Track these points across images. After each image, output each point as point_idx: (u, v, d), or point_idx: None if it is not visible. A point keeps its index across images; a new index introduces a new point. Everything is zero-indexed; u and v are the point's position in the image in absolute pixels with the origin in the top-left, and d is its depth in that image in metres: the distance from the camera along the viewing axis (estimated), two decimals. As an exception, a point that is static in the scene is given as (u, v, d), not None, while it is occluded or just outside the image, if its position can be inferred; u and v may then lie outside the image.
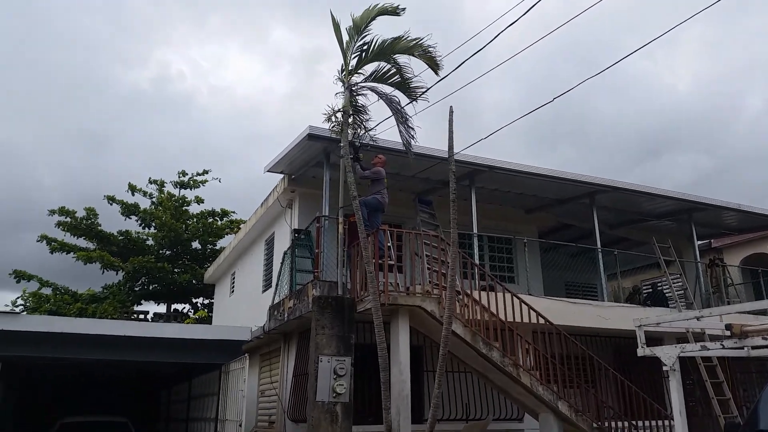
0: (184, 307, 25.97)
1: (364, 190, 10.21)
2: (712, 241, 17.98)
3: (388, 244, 9.45)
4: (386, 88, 9.87)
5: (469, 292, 9.39)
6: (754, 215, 14.79)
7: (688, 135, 57.86)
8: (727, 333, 4.31)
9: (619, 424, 9.58)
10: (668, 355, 4.49)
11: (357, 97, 9.68)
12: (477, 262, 10.97)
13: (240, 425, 9.36)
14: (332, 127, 9.47)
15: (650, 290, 14.99)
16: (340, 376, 8.28)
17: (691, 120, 57.57)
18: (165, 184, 26.10)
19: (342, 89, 9.48)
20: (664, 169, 56.42)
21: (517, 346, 9.21)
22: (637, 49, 7.22)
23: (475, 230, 11.49)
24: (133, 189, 25.35)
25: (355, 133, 9.84)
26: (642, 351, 4.77)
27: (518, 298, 9.67)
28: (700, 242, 15.54)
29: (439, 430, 9.86)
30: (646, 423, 9.79)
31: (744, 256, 17.91)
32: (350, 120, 9.38)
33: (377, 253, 8.99)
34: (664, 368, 4.48)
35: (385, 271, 8.82)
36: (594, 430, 9.05)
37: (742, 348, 4.32)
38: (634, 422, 9.72)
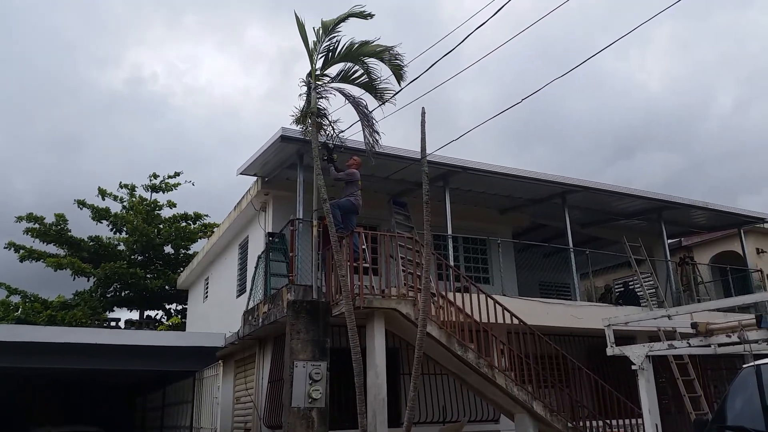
0: (157, 314, 25.59)
1: (338, 192, 10.17)
2: (682, 239, 18.29)
3: (363, 247, 9.42)
4: (355, 90, 9.88)
5: (444, 293, 9.40)
6: (723, 213, 15.09)
7: (659, 134, 58.96)
8: (693, 331, 4.37)
9: (594, 423, 9.68)
10: (637, 354, 4.54)
11: (323, 99, 9.64)
12: (452, 263, 11.00)
13: (214, 432, 9.23)
14: (303, 128, 9.42)
15: (622, 289, 15.19)
16: (315, 381, 8.22)
17: (663, 118, 58.66)
18: (136, 188, 25.73)
19: (308, 90, 9.43)
20: (637, 168, 57.39)
21: (492, 346, 9.25)
22: (606, 47, 7.33)
23: (449, 231, 11.52)
24: (103, 193, 24.92)
25: (327, 134, 9.80)
26: (611, 350, 4.82)
27: (493, 299, 9.72)
28: (670, 241, 15.80)
29: (416, 433, 9.89)
30: (620, 421, 9.92)
31: (713, 254, 18.23)
32: (318, 121, 9.33)
33: (352, 255, 8.95)
34: (633, 367, 4.52)
35: (360, 274, 8.79)
36: (569, 429, 9.12)
37: (709, 346, 4.39)
38: (608, 421, 9.83)
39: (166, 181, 25.87)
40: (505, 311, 9.61)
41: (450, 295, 9.43)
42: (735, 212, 15.25)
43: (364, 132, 9.81)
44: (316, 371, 8.22)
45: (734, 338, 4.33)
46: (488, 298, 9.66)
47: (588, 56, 7.84)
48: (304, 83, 9.42)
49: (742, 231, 15.89)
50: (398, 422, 9.12)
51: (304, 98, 9.38)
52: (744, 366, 5.17)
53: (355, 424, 7.98)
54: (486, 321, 9.42)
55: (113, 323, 19.74)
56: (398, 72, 9.26)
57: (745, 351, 4.96)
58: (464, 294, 9.65)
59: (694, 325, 4.38)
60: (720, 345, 4.53)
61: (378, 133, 9.84)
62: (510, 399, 9.03)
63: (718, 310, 11.23)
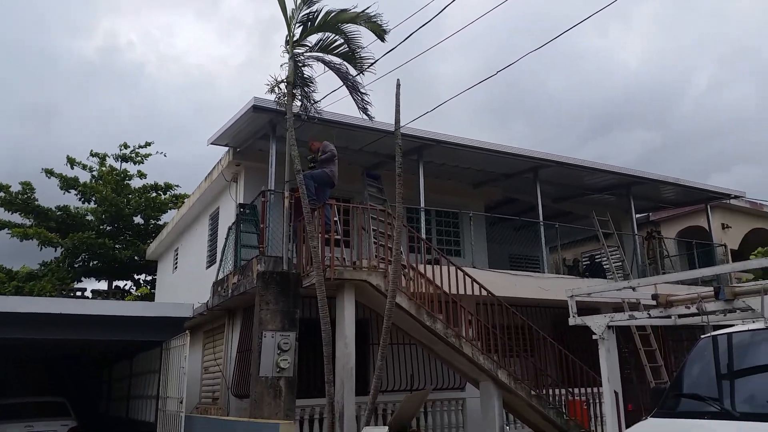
0: (126, 284, 25.34)
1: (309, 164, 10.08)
2: (650, 214, 18.61)
3: (335, 219, 9.39)
4: (334, 60, 9.72)
5: (414, 265, 9.44)
6: (691, 189, 15.37)
7: (637, 111, 59.64)
8: (653, 302, 4.46)
9: (557, 391, 9.91)
10: (598, 324, 4.63)
11: (303, 68, 9.50)
12: (424, 236, 11.04)
13: (181, 402, 9.23)
14: (277, 98, 9.27)
15: (589, 262, 15.45)
16: (284, 351, 8.25)
17: (641, 96, 59.32)
18: (107, 158, 25.17)
19: (287, 59, 9.27)
20: (614, 145, 58.13)
21: (460, 317, 9.36)
22: (582, 21, 7.29)
23: (422, 204, 11.53)
24: (72, 162, 24.34)
25: (301, 104, 9.67)
26: (573, 320, 4.91)
27: (463, 271, 9.80)
28: (638, 215, 16.08)
29: (382, 401, 10.06)
30: (583, 390, 10.18)
31: (680, 228, 18.60)
32: (294, 91, 9.19)
33: (323, 227, 8.93)
34: (594, 337, 4.61)
35: (332, 245, 8.77)
36: (532, 397, 9.33)
37: (669, 317, 4.49)
38: (570, 389, 10.07)
39: (137, 150, 25.37)
40: (475, 283, 9.71)
41: (421, 267, 9.48)
42: (702, 188, 15.54)
43: (353, 97, 9.69)
44: (284, 341, 8.25)
45: (693, 309, 4.44)
46: (458, 270, 9.75)
47: (564, 30, 7.78)
48: (285, 52, 9.24)
49: (708, 207, 16.22)
50: (366, 391, 9.22)
51: (286, 68, 9.21)
52: (701, 336, 5.32)
53: (323, 393, 8.05)
54: (456, 293, 9.51)
55: (79, 293, 19.44)
56: (379, 30, 9.11)
57: (703, 322, 5.09)
58: (435, 266, 9.72)
59: (654, 297, 4.47)
60: (680, 316, 4.63)
61: (366, 94, 9.71)
62: (476, 367, 9.18)
63: (681, 282, 11.49)
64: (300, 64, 9.46)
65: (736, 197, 16.63)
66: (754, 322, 4.87)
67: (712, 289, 4.43)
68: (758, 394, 4.29)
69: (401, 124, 8.90)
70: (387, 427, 7.67)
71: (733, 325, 5.21)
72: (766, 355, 3.91)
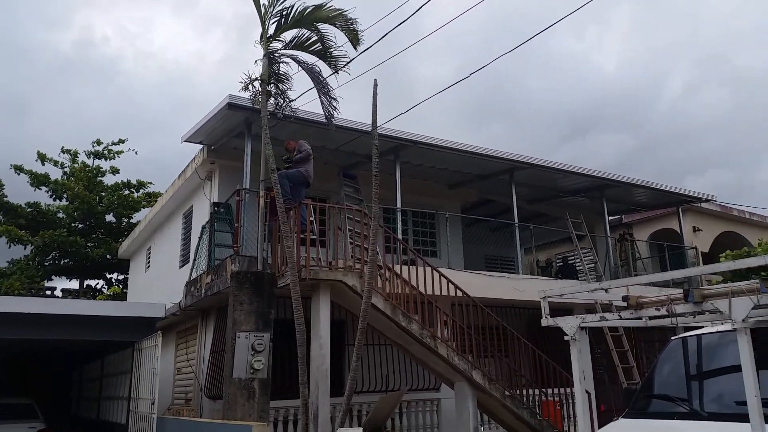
0: (98, 283, 24.92)
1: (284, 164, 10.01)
2: (623, 216, 18.87)
3: (311, 218, 9.33)
4: (309, 58, 9.67)
5: (390, 266, 9.43)
6: (663, 192, 15.61)
7: (613, 114, 60.50)
8: (624, 304, 4.52)
9: (531, 391, 9.99)
10: (570, 325, 4.67)
11: (278, 65, 9.42)
12: (400, 236, 11.04)
13: (153, 403, 9.09)
14: (252, 96, 9.18)
15: (563, 264, 15.62)
16: (258, 352, 8.18)
17: (616, 100, 60.17)
18: (78, 154, 24.72)
19: (261, 56, 9.19)
20: (590, 147, 58.89)
21: (435, 318, 9.37)
22: (557, 21, 7.35)
23: (399, 205, 11.53)
24: (43, 158, 23.87)
25: (276, 103, 9.60)
26: (545, 321, 4.95)
27: (438, 271, 9.82)
28: (611, 218, 16.30)
29: (357, 402, 10.03)
30: (557, 390, 10.27)
31: (652, 231, 18.88)
32: (269, 89, 9.11)
33: (299, 227, 8.87)
34: (566, 338, 4.65)
35: (307, 245, 8.71)
36: (506, 397, 9.39)
37: (640, 318, 4.54)
38: (544, 389, 10.16)
39: (110, 147, 24.95)
40: (450, 284, 9.73)
41: (397, 268, 9.47)
42: (674, 191, 15.80)
43: (321, 99, 9.63)
44: (258, 342, 8.18)
45: (663, 311, 4.49)
46: (434, 271, 9.76)
47: (539, 31, 7.85)
48: (262, 48, 9.16)
49: (680, 210, 16.50)
50: (341, 392, 9.18)
51: (261, 64, 9.14)
52: (672, 338, 5.40)
53: (298, 394, 7.99)
54: (431, 293, 9.52)
55: (49, 292, 19.04)
56: (354, 36, 9.08)
57: (672, 324, 5.17)
58: (411, 267, 9.72)
59: (625, 298, 4.52)
60: (650, 318, 4.68)
61: (335, 99, 9.67)
62: (451, 368, 9.20)
63: (653, 284, 11.66)
64: (274, 62, 9.38)
65: (706, 201, 16.95)
66: (722, 324, 4.96)
67: (681, 291, 4.49)
68: (726, 395, 4.37)
69: (378, 124, 8.88)
70: (361, 428, 7.64)
71: (702, 327, 5.31)
72: (733, 356, 3.98)
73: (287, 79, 9.59)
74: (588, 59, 64.14)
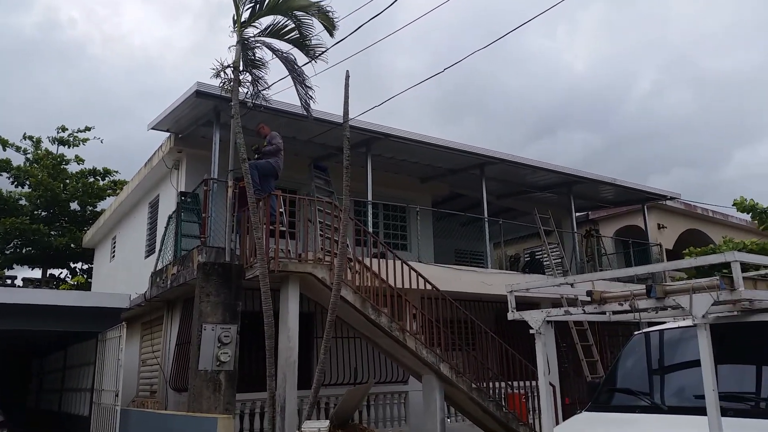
0: (61, 273, 24.35)
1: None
2: (590, 213, 19.17)
3: (281, 210, 9.25)
4: (284, 46, 9.54)
5: (360, 259, 9.42)
6: (629, 190, 15.90)
7: (581, 113, 61.38)
8: (588, 299, 4.58)
9: (498, 384, 10.10)
10: (535, 319, 4.71)
11: (252, 51, 9.27)
12: (371, 229, 11.02)
13: (117, 395, 8.92)
14: (222, 84, 9.03)
15: (530, 258, 15.81)
16: (224, 344, 8.10)
17: (585, 98, 61.06)
18: (42, 141, 24.05)
19: (235, 43, 9.05)
20: (558, 145, 59.69)
21: (405, 311, 9.40)
22: (528, 20, 7.40)
23: (370, 198, 11.51)
24: (4, 144, 23.18)
25: (248, 91, 9.46)
26: (512, 315, 4.99)
27: (408, 265, 9.84)
28: (578, 214, 16.54)
29: (325, 395, 10.02)
30: (523, 383, 10.41)
31: (618, 227, 19.23)
32: (242, 77, 8.98)
33: (268, 218, 8.78)
34: (531, 331, 4.71)
35: (276, 237, 8.64)
36: (473, 390, 9.48)
37: (604, 313, 4.61)
38: (510, 383, 10.28)
39: (75, 134, 24.34)
40: (420, 277, 9.76)
41: (367, 261, 9.46)
42: (640, 189, 16.10)
43: (296, 88, 9.52)
44: (225, 334, 8.10)
45: (626, 306, 4.56)
46: (404, 265, 9.77)
47: (511, 29, 7.91)
48: (235, 34, 9.01)
49: (645, 207, 16.83)
50: (309, 384, 9.15)
51: (234, 51, 8.99)
52: (634, 333, 5.50)
53: (265, 386, 7.94)
54: (401, 286, 9.54)
55: (9, 281, 18.53)
56: (330, 23, 8.98)
57: (635, 319, 5.26)
58: (381, 260, 9.71)
59: (589, 293, 4.58)
60: (614, 313, 4.75)
61: (311, 88, 9.57)
62: (419, 361, 9.24)
63: (618, 279, 11.89)
64: (248, 48, 9.23)
65: (671, 199, 17.31)
66: (684, 319, 5.07)
67: (644, 287, 4.56)
68: (686, 389, 4.48)
69: (351, 116, 8.83)
70: (328, 421, 7.62)
71: (664, 322, 5.42)
72: (694, 351, 4.07)
73: (263, 65, 9.45)
74: (558, 58, 65.00)
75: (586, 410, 5.02)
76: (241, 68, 9.03)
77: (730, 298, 4.04)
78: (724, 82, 59.66)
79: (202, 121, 10.54)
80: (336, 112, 10.17)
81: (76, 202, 23.29)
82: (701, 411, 3.70)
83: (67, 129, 24.37)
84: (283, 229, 8.99)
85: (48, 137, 24.17)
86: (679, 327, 4.99)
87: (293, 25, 9.20)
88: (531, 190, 15.56)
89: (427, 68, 64.71)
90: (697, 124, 61.05)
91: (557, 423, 5.24)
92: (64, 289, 21.10)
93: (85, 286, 21.76)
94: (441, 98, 64.64)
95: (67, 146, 24.23)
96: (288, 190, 10.26)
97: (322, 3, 8.94)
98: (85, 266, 23.86)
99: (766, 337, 4.42)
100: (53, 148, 24.12)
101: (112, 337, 9.98)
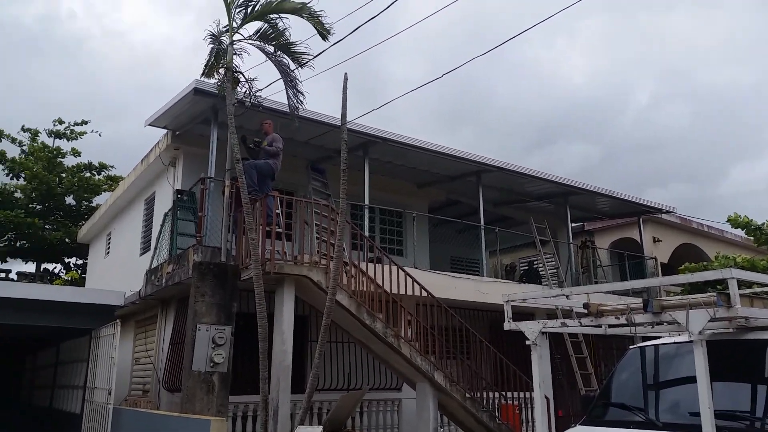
0: (55, 267, 24.24)
1: (255, 154, 9.89)
2: (585, 224, 19.20)
3: (277, 211, 9.23)
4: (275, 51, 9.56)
5: (356, 263, 9.40)
6: (625, 202, 15.93)
7: (579, 125, 61.61)
8: (585, 311, 4.59)
9: (491, 394, 10.09)
10: (531, 330, 4.72)
11: (238, 56, 9.30)
12: (367, 233, 11.01)
13: (109, 393, 8.87)
14: (218, 83, 9.04)
15: (527, 268, 15.82)
16: (218, 345, 8.06)
17: (583, 110, 61.30)
18: (39, 134, 23.96)
19: (225, 46, 9.08)
20: (556, 156, 59.88)
21: (399, 317, 9.38)
22: (527, 29, 7.42)
23: (366, 201, 11.50)
24: (0, 135, 23.05)
25: (244, 92, 9.46)
26: (508, 325, 5.00)
27: (404, 270, 9.82)
28: (573, 224, 16.57)
29: (318, 400, 9.98)
30: (516, 394, 10.39)
31: (613, 239, 19.26)
32: (235, 77, 8.99)
33: (265, 219, 8.76)
34: (528, 342, 4.71)
35: (273, 238, 8.62)
36: (466, 399, 9.46)
37: (600, 326, 4.62)
38: (504, 393, 10.27)
39: (72, 128, 24.26)
40: (415, 283, 9.74)
41: (363, 265, 9.44)
42: (636, 201, 16.14)
43: (287, 92, 9.52)
44: (219, 335, 8.06)
45: (622, 320, 4.57)
46: (400, 270, 9.76)
47: (509, 38, 7.90)
48: (210, 36, 9.01)
49: (641, 220, 16.86)
50: (302, 389, 9.12)
51: (215, 51, 9.01)
52: (630, 347, 5.51)
53: (258, 389, 7.91)
54: (396, 292, 9.52)
55: (3, 274, 18.43)
56: (322, 28, 8.99)
57: (631, 333, 5.27)
58: (377, 265, 9.70)
59: (586, 306, 4.59)
60: (609, 326, 4.77)
61: (302, 93, 9.59)
62: (413, 368, 9.22)
63: (613, 292, 11.91)
64: (240, 51, 9.25)
65: (667, 212, 17.36)
66: (679, 335, 5.09)
67: (641, 300, 4.57)
68: (681, 405, 4.49)
69: (349, 119, 8.84)
70: (321, 427, 7.59)
71: (660, 337, 5.43)
72: (689, 367, 4.07)
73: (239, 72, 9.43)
74: (557, 69, 65.21)
75: (580, 424, 5.02)
76: (233, 69, 9.02)
77: (727, 315, 4.06)
78: (721, 97, 60.04)
79: (199, 119, 10.51)
80: (335, 114, 10.17)
81: (71, 196, 23.21)
82: (696, 429, 3.71)
83: (63, 122, 24.30)
84: (280, 230, 8.96)
85: (45, 130, 24.11)
86: (674, 342, 5.01)
87: (282, 30, 9.23)
88: (527, 199, 15.58)
89: (425, 76, 64.91)
90: (693, 138, 61.43)
91: (550, 435, 5.24)
92: (57, 284, 20.99)
93: (79, 282, 21.66)
94: (440, 108, 64.84)
95: (64, 139, 24.16)
96: (285, 192, 10.24)
97: (309, 6, 8.96)
98: (79, 261, 23.77)
99: (761, 356, 4.43)
100: (50, 141, 24.04)
101: (105, 335, 9.93)
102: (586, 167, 58.68)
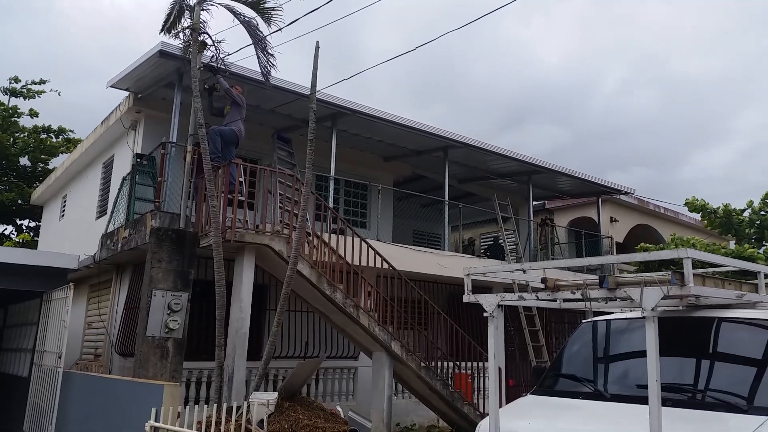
0: (7, 229, 23.46)
1: (217, 120, 9.68)
2: (546, 202, 19.51)
3: (240, 179, 9.07)
4: (248, 11, 9.29)
5: (319, 234, 9.36)
6: (585, 182, 16.21)
7: (551, 106, 62.10)
8: (542, 286, 4.66)
9: (446, 363, 10.26)
10: (489, 302, 4.76)
11: (206, 12, 9.01)
12: (331, 205, 10.95)
13: (60, 357, 8.68)
14: (183, 44, 8.76)
15: (491, 243, 16.03)
16: (174, 312, 7.95)
17: (555, 92, 61.75)
18: (-2, 91, 22.91)
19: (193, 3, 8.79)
20: (525, 137, 60.33)
21: (360, 288, 9.41)
22: (503, 5, 7.38)
23: (332, 173, 11.41)
24: (-47, 90, 22.00)
25: (211, 56, 9.21)
26: (467, 298, 5.04)
27: (366, 242, 9.82)
28: (535, 203, 16.83)
29: (275, 367, 10.00)
30: (471, 364, 10.61)
31: (572, 218, 19.64)
32: (201, 40, 8.72)
33: (227, 187, 8.60)
34: (485, 314, 4.77)
35: (234, 206, 8.48)
36: (421, 368, 9.60)
37: (555, 300, 4.70)
38: (458, 363, 10.46)
39: (29, 86, 23.26)
40: (377, 256, 9.77)
41: (325, 236, 9.40)
42: (596, 182, 16.43)
43: (257, 54, 9.28)
44: (175, 301, 7.95)
45: (578, 295, 4.65)
46: (362, 242, 9.76)
47: (484, 14, 7.86)
48: None
49: (599, 200, 17.22)
50: (259, 356, 9.13)
51: (178, 5, 8.71)
52: (583, 321, 5.64)
53: (214, 356, 7.86)
54: (358, 264, 9.54)
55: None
56: None
57: (585, 308, 5.38)
58: (339, 236, 9.67)
59: (543, 280, 4.66)
60: (565, 300, 4.84)
61: (272, 55, 9.36)
62: (371, 338, 9.29)
63: (569, 268, 12.19)
64: (205, 9, 8.96)
65: (626, 193, 17.74)
66: (632, 311, 5.22)
67: (597, 277, 4.66)
68: (629, 377, 4.62)
69: (319, 88, 8.69)
70: (277, 393, 7.61)
71: (612, 312, 5.56)
72: (638, 341, 4.19)
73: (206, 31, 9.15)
74: (532, 49, 65.43)
75: (531, 393, 5.14)
76: (199, 30, 8.75)
77: (680, 293, 4.15)
78: (690, 84, 61.26)
79: (163, 83, 10.21)
80: (304, 84, 10.00)
81: (26, 157, 22.36)
82: (642, 400, 3.81)
83: (20, 80, 23.28)
84: (242, 198, 8.83)
85: (1, 87, 23.06)
86: (626, 318, 5.14)
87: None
88: (492, 176, 15.72)
89: (400, 49, 64.25)
90: (659, 124, 62.66)
91: (501, 404, 5.35)
92: (8, 245, 20.33)
93: (32, 245, 21.02)
94: (413, 83, 64.45)
95: (22, 98, 23.15)
96: (249, 160, 10.07)
97: None
98: (32, 224, 23.04)
99: (707, 332, 4.59)
100: (5, 99, 23.04)
101: (57, 298, 9.67)
102: (555, 149, 59.47)
